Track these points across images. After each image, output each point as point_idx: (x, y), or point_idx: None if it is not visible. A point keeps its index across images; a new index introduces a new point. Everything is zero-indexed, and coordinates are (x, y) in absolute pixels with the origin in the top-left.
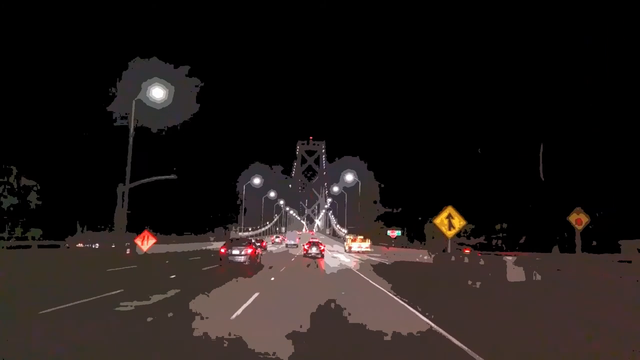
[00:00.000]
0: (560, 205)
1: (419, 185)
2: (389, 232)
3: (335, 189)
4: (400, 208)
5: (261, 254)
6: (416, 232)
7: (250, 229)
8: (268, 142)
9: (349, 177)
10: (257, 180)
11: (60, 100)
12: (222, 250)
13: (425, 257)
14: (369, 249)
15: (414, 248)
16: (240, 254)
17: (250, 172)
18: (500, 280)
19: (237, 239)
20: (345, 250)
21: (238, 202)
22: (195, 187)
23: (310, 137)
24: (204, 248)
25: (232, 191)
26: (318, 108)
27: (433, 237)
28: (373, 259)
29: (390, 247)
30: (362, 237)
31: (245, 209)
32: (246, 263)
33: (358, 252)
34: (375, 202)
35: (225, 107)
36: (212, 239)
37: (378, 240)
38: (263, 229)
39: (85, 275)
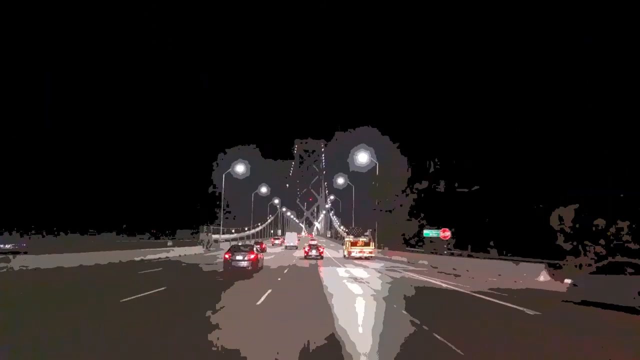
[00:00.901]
0: None
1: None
2: (438, 233)
3: (340, 180)
4: (477, 186)
5: (263, 258)
6: (484, 235)
7: (233, 231)
8: (263, 139)
9: (363, 158)
10: (240, 168)
11: None
12: (226, 256)
13: (541, 278)
14: (372, 255)
15: (487, 258)
16: (243, 259)
17: (233, 159)
18: None
19: (238, 245)
20: (345, 256)
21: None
22: (144, 171)
23: (309, 137)
24: (136, 259)
25: (208, 181)
26: (318, 105)
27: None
28: (420, 277)
29: (437, 253)
30: (364, 239)
31: (227, 206)
32: (249, 268)
33: (360, 257)
34: (397, 195)
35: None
36: (170, 243)
37: (395, 245)
38: (252, 231)
39: None
